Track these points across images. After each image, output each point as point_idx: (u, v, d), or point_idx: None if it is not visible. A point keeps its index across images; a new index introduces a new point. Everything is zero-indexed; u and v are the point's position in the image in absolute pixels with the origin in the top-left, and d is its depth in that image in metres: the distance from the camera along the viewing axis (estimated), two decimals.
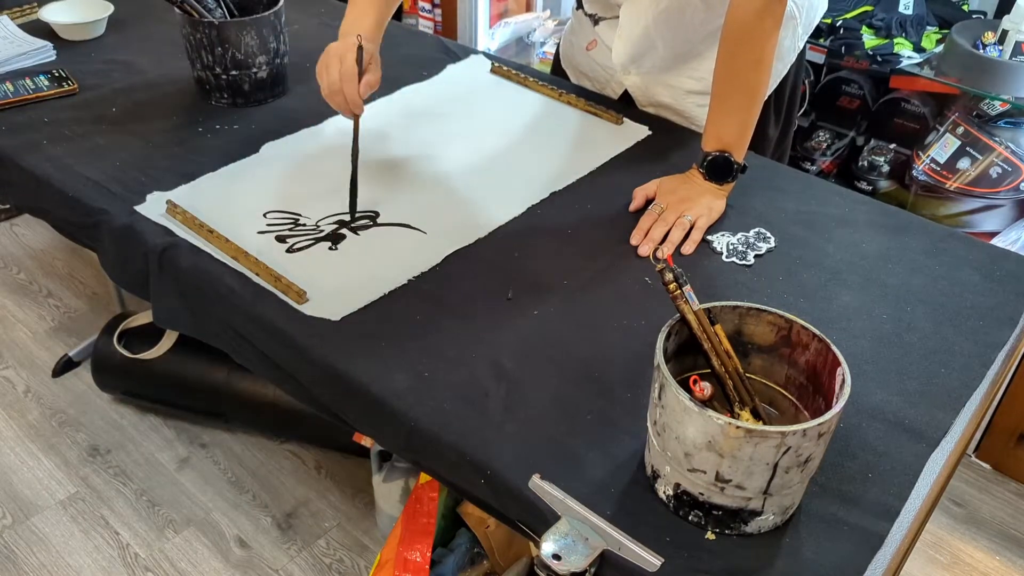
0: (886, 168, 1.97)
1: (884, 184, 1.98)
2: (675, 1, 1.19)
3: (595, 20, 1.35)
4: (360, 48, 1.07)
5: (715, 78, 1.09)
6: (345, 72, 1.05)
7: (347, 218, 1.09)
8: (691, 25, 1.21)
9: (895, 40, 1.88)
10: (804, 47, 1.33)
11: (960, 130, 1.86)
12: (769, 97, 1.30)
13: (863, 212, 1.14)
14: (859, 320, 0.96)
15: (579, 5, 1.39)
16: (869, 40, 1.90)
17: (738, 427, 0.65)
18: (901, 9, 1.91)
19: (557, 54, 1.50)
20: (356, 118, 1.11)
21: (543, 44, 2.46)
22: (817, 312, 0.97)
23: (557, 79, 1.44)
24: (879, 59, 1.85)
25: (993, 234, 1.88)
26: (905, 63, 1.84)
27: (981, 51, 1.75)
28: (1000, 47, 1.74)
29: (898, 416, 0.84)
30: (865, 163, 1.98)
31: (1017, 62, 1.72)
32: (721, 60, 1.07)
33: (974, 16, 1.92)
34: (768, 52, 1.06)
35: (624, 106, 1.36)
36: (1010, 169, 1.80)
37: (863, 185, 1.98)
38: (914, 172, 1.90)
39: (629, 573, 0.71)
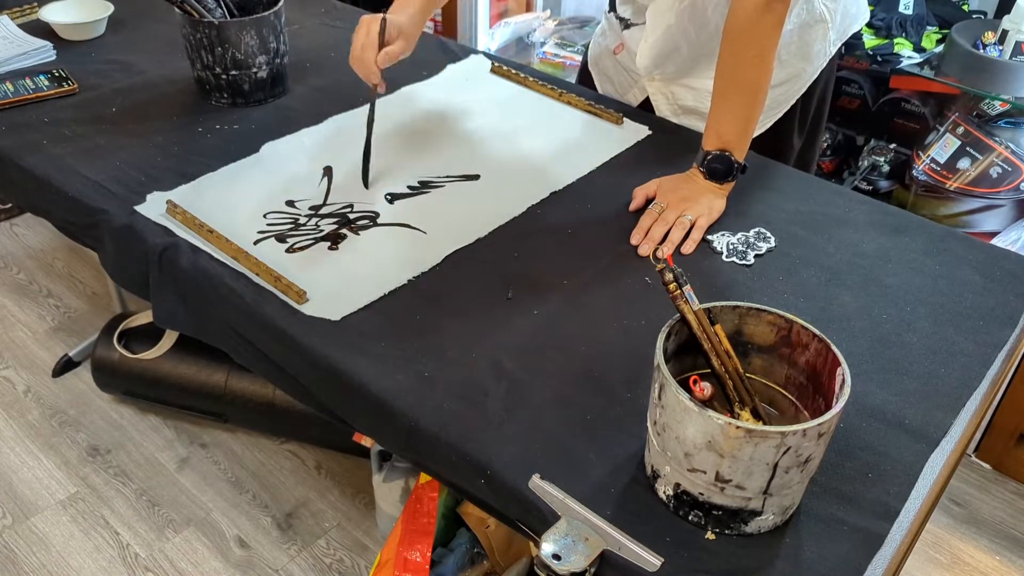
0: (886, 168, 1.97)
1: (884, 184, 1.98)
2: None
3: (625, 24, 1.34)
4: (384, 20, 1.12)
5: (716, 75, 1.09)
6: (368, 42, 1.12)
7: (350, 215, 1.09)
8: (714, 21, 1.21)
9: (895, 40, 1.88)
10: (836, 55, 1.31)
11: (960, 130, 1.86)
12: (795, 104, 1.30)
13: (863, 212, 1.14)
14: (859, 320, 0.96)
15: (611, 7, 1.38)
16: (869, 40, 1.90)
17: (738, 427, 0.65)
18: (901, 9, 1.91)
19: (585, 56, 1.50)
20: (374, 88, 1.16)
21: (543, 44, 2.45)
22: (817, 312, 0.97)
23: (557, 79, 1.44)
24: (879, 59, 1.85)
25: (993, 234, 1.88)
26: (905, 63, 1.85)
27: (981, 51, 1.75)
28: (1000, 47, 1.74)
29: (898, 416, 0.84)
30: (865, 163, 1.98)
31: (1017, 62, 1.72)
32: (722, 57, 1.07)
33: (974, 16, 1.92)
34: (768, 49, 1.06)
35: (640, 113, 1.35)
36: (1010, 169, 1.80)
37: (863, 185, 1.98)
38: (914, 172, 1.90)
39: (629, 573, 0.71)
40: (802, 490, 0.74)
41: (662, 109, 1.35)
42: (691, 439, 0.68)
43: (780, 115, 1.30)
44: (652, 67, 1.30)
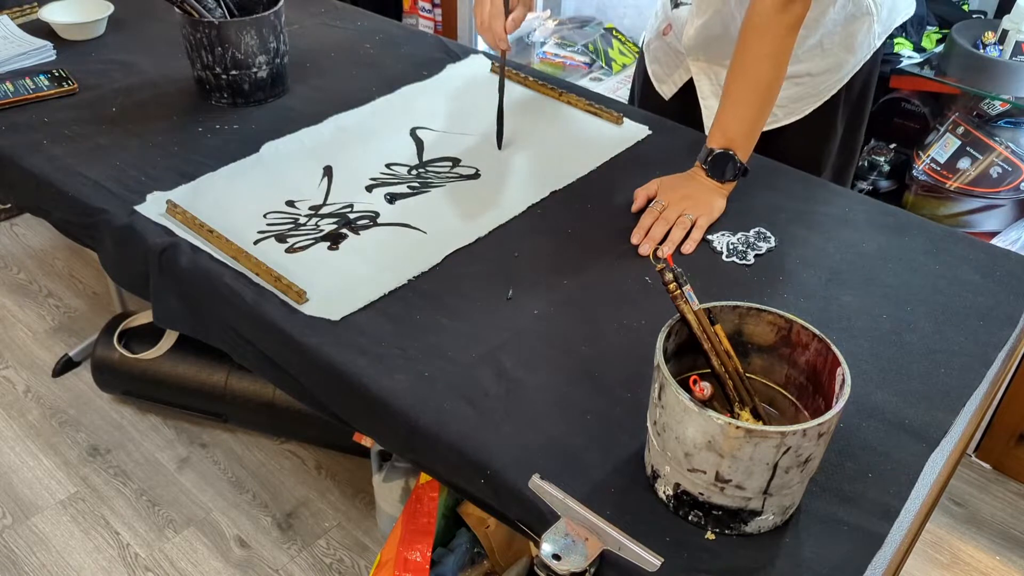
0: (886, 168, 1.97)
1: (884, 184, 1.98)
2: None
3: (675, 3, 1.35)
4: None
5: (729, 72, 1.10)
6: (494, 11, 1.15)
7: (350, 215, 1.09)
8: None
9: (895, 40, 1.88)
10: (882, 47, 1.33)
11: (960, 130, 1.86)
12: (840, 91, 1.31)
13: (863, 212, 1.14)
14: (859, 320, 0.96)
15: None
16: None
17: (738, 427, 0.65)
18: None
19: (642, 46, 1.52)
20: (503, 52, 1.20)
21: (543, 44, 2.45)
22: (817, 312, 0.97)
23: (557, 79, 1.44)
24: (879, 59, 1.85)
25: (993, 234, 1.88)
26: (905, 63, 1.84)
27: (981, 51, 1.75)
28: (1000, 47, 1.74)
29: (898, 416, 0.84)
30: (865, 163, 1.98)
31: (1017, 62, 1.72)
32: (736, 53, 1.08)
33: (974, 16, 1.92)
34: (782, 51, 1.06)
35: (681, 106, 1.36)
36: (1010, 169, 1.80)
37: (863, 185, 1.98)
38: (914, 172, 1.90)
39: (629, 573, 0.71)
40: (802, 490, 0.74)
41: (704, 89, 1.36)
42: (691, 439, 0.68)
43: (821, 103, 1.32)
44: (698, 48, 1.31)
